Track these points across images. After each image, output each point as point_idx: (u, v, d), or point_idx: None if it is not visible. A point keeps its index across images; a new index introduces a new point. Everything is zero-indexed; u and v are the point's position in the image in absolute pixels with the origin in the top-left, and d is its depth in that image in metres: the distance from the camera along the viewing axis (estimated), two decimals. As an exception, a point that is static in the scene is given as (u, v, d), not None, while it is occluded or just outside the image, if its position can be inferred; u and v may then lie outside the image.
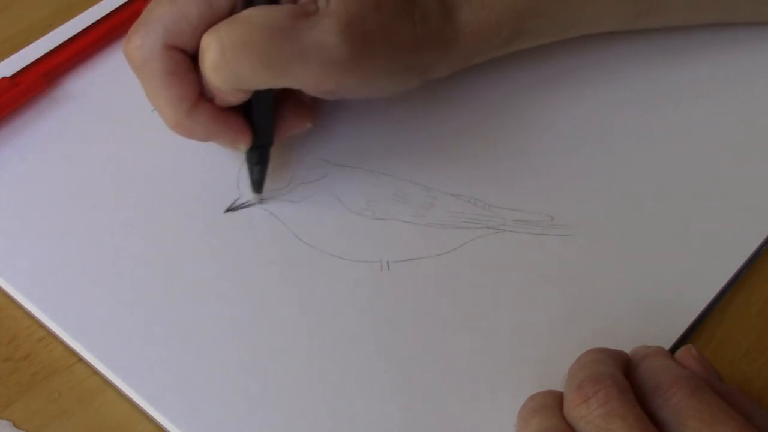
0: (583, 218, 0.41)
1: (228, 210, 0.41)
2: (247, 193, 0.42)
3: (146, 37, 0.37)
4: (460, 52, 0.41)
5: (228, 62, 0.36)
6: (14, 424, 0.36)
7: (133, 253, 0.40)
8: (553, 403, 0.32)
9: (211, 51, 0.36)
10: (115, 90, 0.46)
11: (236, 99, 0.39)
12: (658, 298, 0.39)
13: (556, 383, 0.34)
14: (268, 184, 0.42)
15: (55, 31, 0.49)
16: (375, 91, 0.41)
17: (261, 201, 0.42)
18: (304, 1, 0.37)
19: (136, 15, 0.49)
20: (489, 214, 0.41)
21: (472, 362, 0.37)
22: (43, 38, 0.48)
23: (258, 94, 0.39)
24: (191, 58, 0.38)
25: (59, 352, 0.38)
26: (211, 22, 0.37)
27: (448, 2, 0.40)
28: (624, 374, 0.32)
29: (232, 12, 0.37)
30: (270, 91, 0.39)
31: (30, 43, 0.48)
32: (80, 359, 0.38)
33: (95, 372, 0.37)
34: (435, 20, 0.40)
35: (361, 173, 0.43)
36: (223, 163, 0.43)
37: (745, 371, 0.37)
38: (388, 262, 0.40)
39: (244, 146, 0.40)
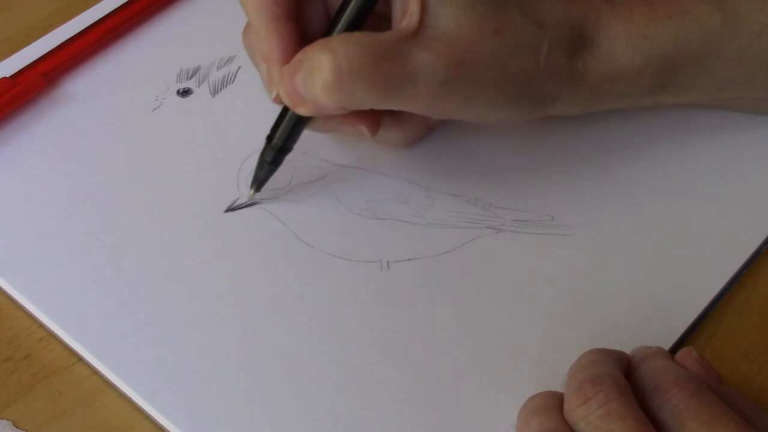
0: (583, 218, 0.41)
1: (228, 210, 0.41)
2: (245, 193, 0.42)
3: None
4: (591, 90, 0.39)
5: (343, 85, 0.35)
6: (14, 424, 0.36)
7: (133, 253, 0.40)
8: (553, 403, 0.32)
9: (327, 71, 0.35)
10: (115, 90, 0.47)
11: (334, 113, 0.37)
12: (658, 298, 0.39)
13: (556, 383, 0.34)
14: (268, 184, 0.42)
15: (55, 31, 0.49)
16: (485, 118, 0.40)
17: (254, 202, 0.41)
18: (413, 20, 0.35)
19: (136, 15, 0.49)
20: (489, 214, 0.41)
21: (472, 362, 0.37)
22: (43, 38, 0.49)
23: None
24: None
25: (59, 352, 0.38)
26: None
27: (587, 36, 0.38)
28: (624, 375, 0.32)
29: None
30: None
31: (30, 43, 0.48)
32: (80, 359, 0.38)
33: (95, 372, 0.37)
34: (564, 54, 0.38)
35: (361, 173, 0.43)
36: (223, 163, 0.43)
37: (745, 371, 0.37)
38: (388, 262, 0.40)
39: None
